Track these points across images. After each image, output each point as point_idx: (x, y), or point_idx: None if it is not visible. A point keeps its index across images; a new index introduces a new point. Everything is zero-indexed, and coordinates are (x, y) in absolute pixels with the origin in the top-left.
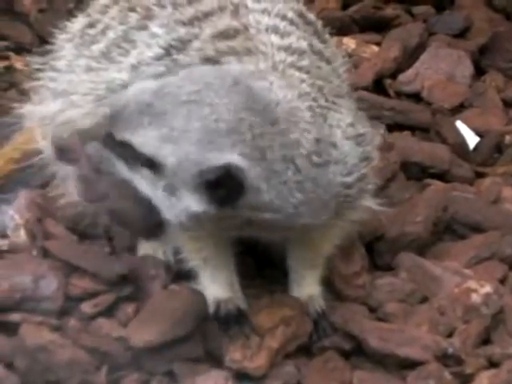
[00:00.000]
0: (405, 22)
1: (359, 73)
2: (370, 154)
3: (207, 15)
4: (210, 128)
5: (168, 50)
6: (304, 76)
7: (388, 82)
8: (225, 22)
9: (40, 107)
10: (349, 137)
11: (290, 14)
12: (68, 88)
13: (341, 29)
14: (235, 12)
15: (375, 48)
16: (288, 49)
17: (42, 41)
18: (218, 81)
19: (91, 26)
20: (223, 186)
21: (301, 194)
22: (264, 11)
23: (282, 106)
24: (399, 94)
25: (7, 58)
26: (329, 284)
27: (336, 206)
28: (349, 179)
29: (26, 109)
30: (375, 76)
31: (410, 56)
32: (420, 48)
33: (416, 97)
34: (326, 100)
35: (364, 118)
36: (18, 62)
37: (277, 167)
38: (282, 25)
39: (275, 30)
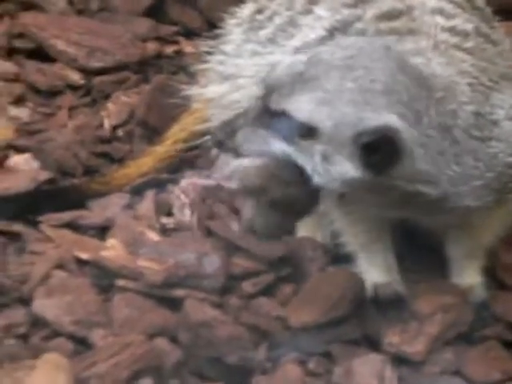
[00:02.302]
0: None
1: None
2: None
3: None
4: (365, 88)
5: (331, 32)
6: (467, 57)
7: None
8: (388, 3)
9: (207, 89)
10: (510, 118)
11: None
12: (235, 71)
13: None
14: None
15: None
16: (452, 30)
17: (212, 26)
18: (371, 47)
19: (259, 11)
20: (380, 150)
21: (459, 167)
22: None
23: (439, 78)
24: None
25: (177, 42)
26: (490, 273)
27: (499, 189)
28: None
29: (194, 91)
30: None
31: None
32: None
33: None
34: (490, 80)
35: None
36: (187, 47)
37: (433, 134)
38: (448, 7)
39: (440, 11)
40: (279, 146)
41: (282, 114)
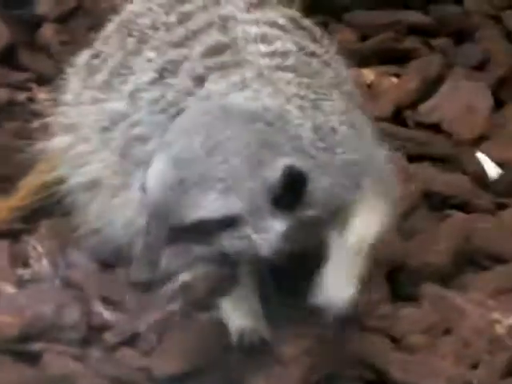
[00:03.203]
0: (424, 54)
1: (379, 104)
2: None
3: (196, 33)
4: (248, 157)
5: (161, 74)
6: (289, 75)
7: (407, 113)
8: (213, 38)
9: (53, 141)
10: (344, 122)
11: (281, 21)
12: (77, 121)
13: (360, 60)
14: (223, 26)
15: (394, 80)
16: (273, 54)
17: (64, 73)
18: (210, 120)
19: (95, 56)
20: (290, 191)
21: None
22: (253, 21)
23: (271, 111)
24: (419, 125)
25: (29, 89)
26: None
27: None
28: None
29: (41, 143)
30: (395, 107)
31: (430, 88)
32: (439, 80)
33: (436, 128)
34: (316, 93)
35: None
36: (40, 94)
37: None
38: (271, 32)
39: (263, 38)
40: (207, 250)
41: (195, 223)
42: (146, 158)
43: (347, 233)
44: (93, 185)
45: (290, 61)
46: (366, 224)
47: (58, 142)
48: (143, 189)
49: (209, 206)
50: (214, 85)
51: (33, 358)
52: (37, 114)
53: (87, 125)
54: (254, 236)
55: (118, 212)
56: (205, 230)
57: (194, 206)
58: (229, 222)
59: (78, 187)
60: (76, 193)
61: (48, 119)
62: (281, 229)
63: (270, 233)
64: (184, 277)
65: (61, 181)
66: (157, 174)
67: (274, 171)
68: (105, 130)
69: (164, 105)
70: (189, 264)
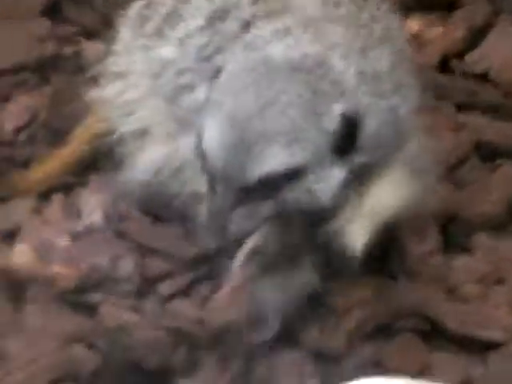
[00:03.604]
0: (470, 2)
1: (425, 54)
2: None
3: None
4: (304, 107)
5: (210, 20)
6: (337, 25)
7: (454, 62)
8: None
9: (103, 90)
10: (390, 73)
11: None
12: (126, 69)
13: (405, 10)
14: None
15: (440, 29)
16: (324, 3)
17: (110, 26)
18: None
19: (146, 7)
20: (347, 136)
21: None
22: None
23: (312, 57)
24: (466, 75)
25: (76, 42)
26: (401, 265)
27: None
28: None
29: (93, 92)
30: (441, 57)
31: (476, 36)
32: (486, 28)
33: (483, 77)
34: (362, 43)
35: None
36: (86, 47)
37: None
38: None
39: None
40: (273, 208)
41: (261, 180)
42: (193, 106)
43: (372, 192)
44: (142, 133)
45: (341, 11)
46: (391, 191)
47: (108, 90)
48: (201, 154)
49: (273, 160)
50: (258, 31)
51: (89, 309)
52: (84, 67)
53: (137, 72)
54: (317, 186)
55: (168, 161)
56: (270, 186)
57: (258, 163)
58: (293, 175)
59: (127, 136)
60: (126, 142)
61: (96, 70)
62: (340, 176)
63: (331, 181)
64: (253, 240)
65: (110, 131)
66: (214, 137)
67: (332, 118)
68: (154, 76)
69: (211, 51)
70: (256, 226)
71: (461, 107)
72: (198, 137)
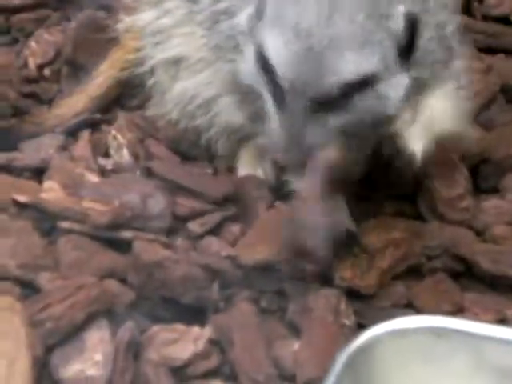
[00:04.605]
0: None
1: None
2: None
3: None
4: (369, 11)
5: None
6: None
7: (475, 5)
8: None
9: (137, 18)
10: None
11: None
12: None
13: None
14: None
15: None
16: None
17: None
18: None
19: None
20: (411, 37)
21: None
22: None
23: None
24: (486, 18)
25: None
26: (432, 208)
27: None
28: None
29: (124, 21)
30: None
31: None
32: None
33: (504, 20)
34: None
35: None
36: None
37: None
38: None
39: None
40: (344, 119)
41: (333, 89)
42: (232, 32)
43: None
44: (175, 61)
45: None
46: (443, 102)
47: (141, 17)
48: (265, 68)
49: (346, 67)
50: None
51: (123, 246)
52: (103, 4)
53: None
54: (386, 93)
55: (202, 89)
56: (342, 94)
57: (329, 71)
58: (364, 82)
59: (159, 66)
60: (157, 73)
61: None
62: (406, 83)
63: (398, 88)
64: (326, 153)
65: (141, 62)
66: (281, 49)
67: (397, 20)
68: (191, 1)
69: None
70: (329, 139)
71: (483, 50)
72: (258, 52)
